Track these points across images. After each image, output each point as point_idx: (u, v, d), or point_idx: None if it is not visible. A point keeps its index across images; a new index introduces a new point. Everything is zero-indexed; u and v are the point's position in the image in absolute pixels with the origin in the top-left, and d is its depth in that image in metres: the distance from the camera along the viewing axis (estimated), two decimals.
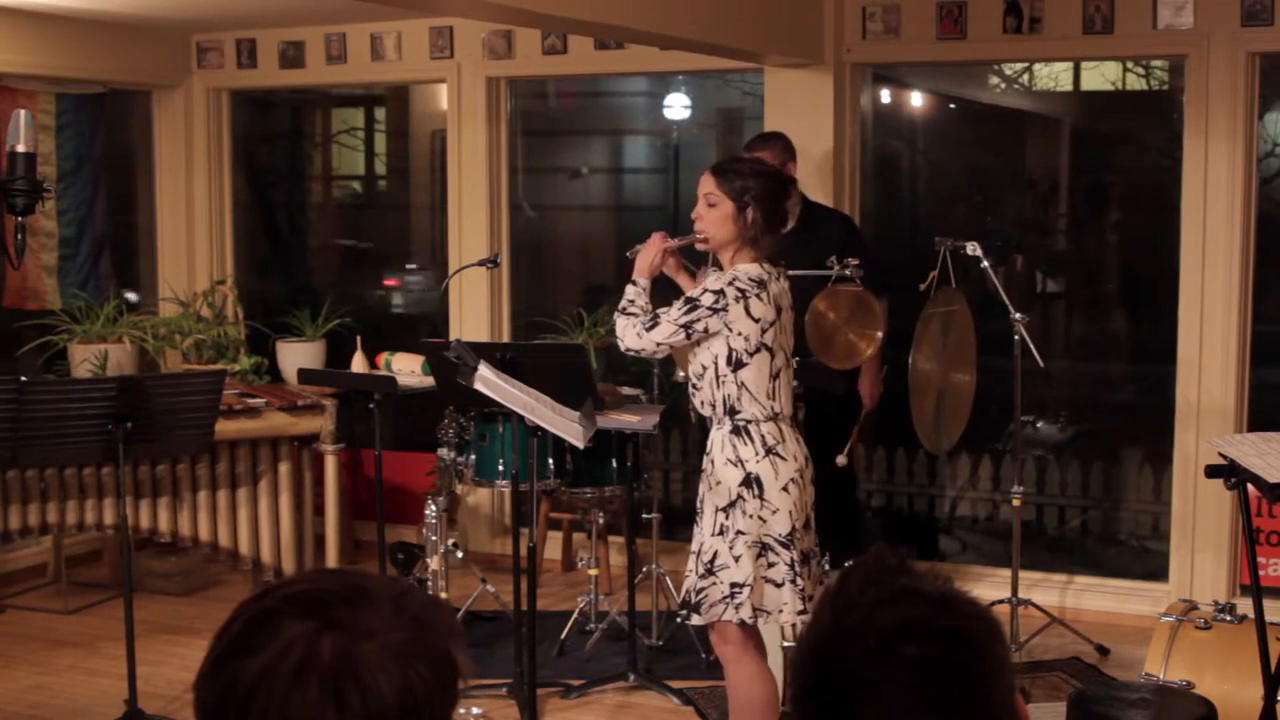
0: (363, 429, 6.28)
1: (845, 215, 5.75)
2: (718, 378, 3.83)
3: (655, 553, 5.54)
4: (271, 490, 5.66)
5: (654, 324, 3.84)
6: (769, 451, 3.80)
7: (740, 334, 3.79)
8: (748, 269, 3.82)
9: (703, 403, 3.91)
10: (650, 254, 3.97)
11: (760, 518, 3.78)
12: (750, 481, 3.78)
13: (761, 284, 3.80)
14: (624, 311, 3.93)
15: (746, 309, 3.78)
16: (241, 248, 7.32)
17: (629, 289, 3.96)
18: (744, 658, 3.87)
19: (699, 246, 3.96)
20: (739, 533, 3.78)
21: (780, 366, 3.86)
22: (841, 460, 5.32)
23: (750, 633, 3.88)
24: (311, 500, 5.92)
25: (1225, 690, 3.77)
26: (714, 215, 3.85)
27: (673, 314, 3.83)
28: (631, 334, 3.88)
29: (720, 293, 3.78)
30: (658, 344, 3.85)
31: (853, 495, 5.76)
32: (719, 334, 3.80)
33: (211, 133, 7.16)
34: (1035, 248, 7.06)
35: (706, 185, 3.87)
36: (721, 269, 3.94)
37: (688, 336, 3.82)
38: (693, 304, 3.80)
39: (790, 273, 4.00)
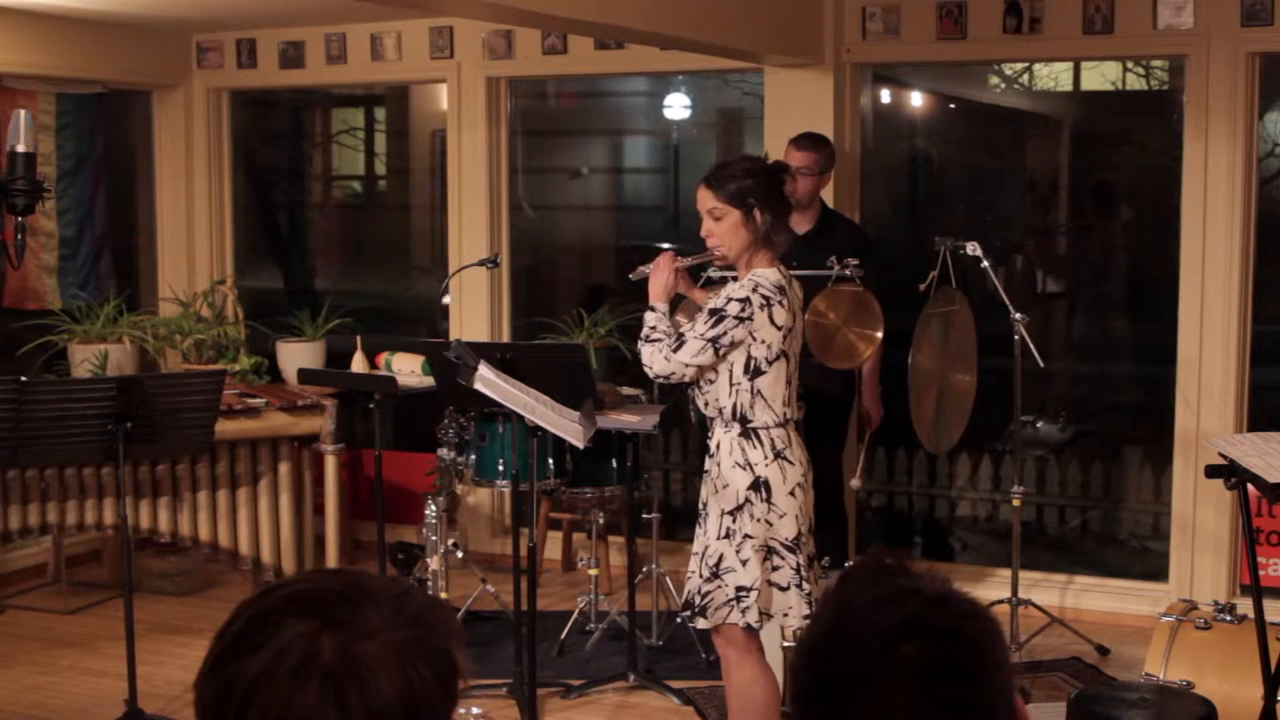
0: (363, 429, 6.28)
1: (861, 228, 5.74)
2: (732, 385, 3.77)
3: (655, 553, 5.54)
4: (271, 490, 5.66)
5: (680, 344, 3.76)
6: (778, 456, 3.77)
7: (764, 342, 3.73)
8: (768, 274, 3.76)
9: (708, 404, 3.85)
10: (663, 276, 3.89)
11: (767, 521, 3.76)
12: (758, 485, 3.75)
13: (783, 290, 3.75)
14: (647, 339, 3.84)
15: (771, 317, 3.72)
16: (242, 247, 7.31)
17: (648, 316, 3.88)
18: (746, 660, 3.86)
19: (717, 263, 3.92)
20: (746, 536, 3.76)
21: (792, 372, 3.84)
22: (856, 483, 5.39)
23: (753, 635, 3.87)
24: (311, 500, 5.92)
25: (1225, 690, 3.77)
26: (724, 227, 3.78)
27: (698, 329, 3.74)
28: (659, 359, 3.79)
29: (746, 300, 3.71)
30: (686, 364, 3.76)
31: (839, 497, 5.76)
32: (742, 343, 3.74)
33: (211, 133, 7.16)
34: (1035, 248, 7.06)
35: (706, 201, 3.80)
36: (711, 281, 3.92)
37: (716, 353, 3.73)
38: (719, 315, 3.72)
39: (791, 272, 3.99)
